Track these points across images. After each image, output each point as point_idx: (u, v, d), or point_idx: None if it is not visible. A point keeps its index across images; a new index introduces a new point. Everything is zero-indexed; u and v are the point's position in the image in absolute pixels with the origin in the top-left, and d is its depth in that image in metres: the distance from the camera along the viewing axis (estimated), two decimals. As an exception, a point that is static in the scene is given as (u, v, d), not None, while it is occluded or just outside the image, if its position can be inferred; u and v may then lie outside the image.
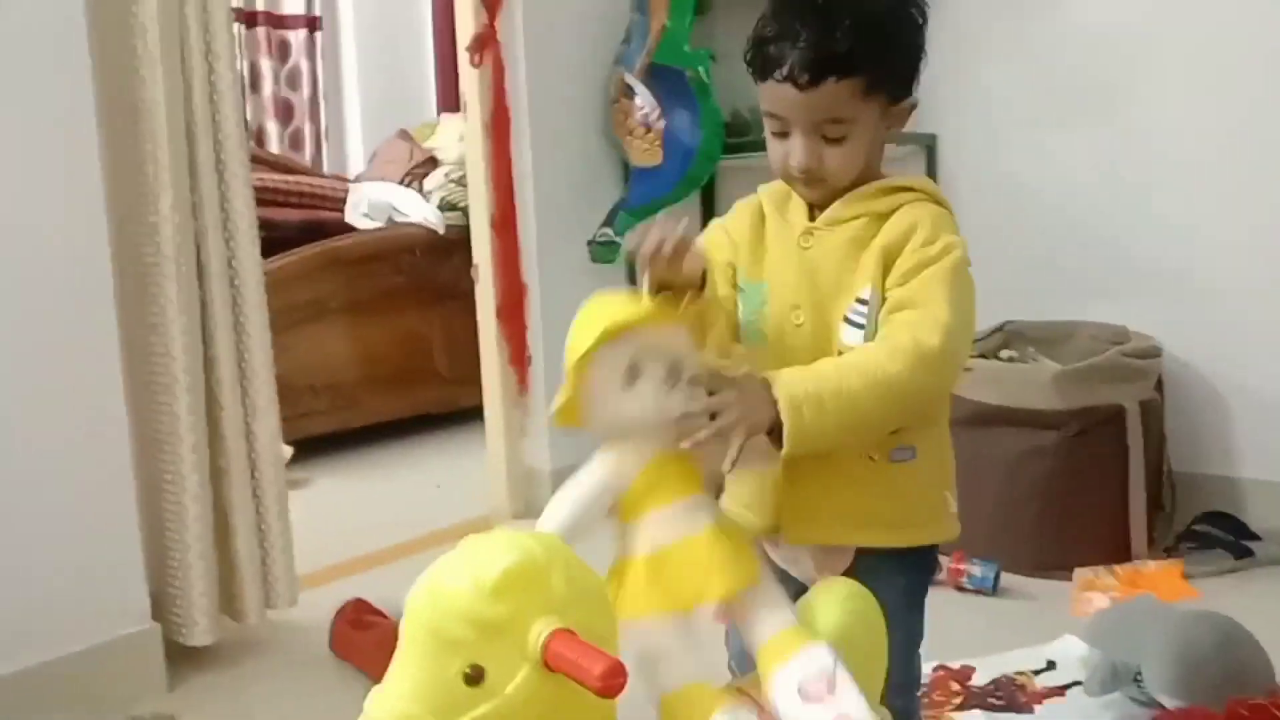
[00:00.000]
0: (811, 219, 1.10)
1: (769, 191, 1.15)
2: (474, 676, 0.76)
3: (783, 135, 1.07)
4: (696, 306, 0.98)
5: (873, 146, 1.08)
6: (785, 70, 1.03)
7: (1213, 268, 2.39)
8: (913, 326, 1.01)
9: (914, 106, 1.10)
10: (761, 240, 1.12)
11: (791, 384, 0.97)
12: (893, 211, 1.07)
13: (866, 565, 1.09)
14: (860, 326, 1.06)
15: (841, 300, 1.07)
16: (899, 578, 1.10)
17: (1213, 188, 2.38)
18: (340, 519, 2.76)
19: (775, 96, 1.05)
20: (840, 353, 1.06)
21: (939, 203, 1.10)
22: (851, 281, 1.07)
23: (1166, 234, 2.44)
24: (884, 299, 1.05)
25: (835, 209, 1.09)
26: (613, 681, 0.73)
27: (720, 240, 1.14)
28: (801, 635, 0.95)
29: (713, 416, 0.95)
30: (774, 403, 0.96)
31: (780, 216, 1.12)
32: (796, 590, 1.07)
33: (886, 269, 1.05)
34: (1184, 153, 2.41)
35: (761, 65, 1.06)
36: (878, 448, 1.08)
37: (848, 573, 1.08)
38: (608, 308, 0.95)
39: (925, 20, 1.09)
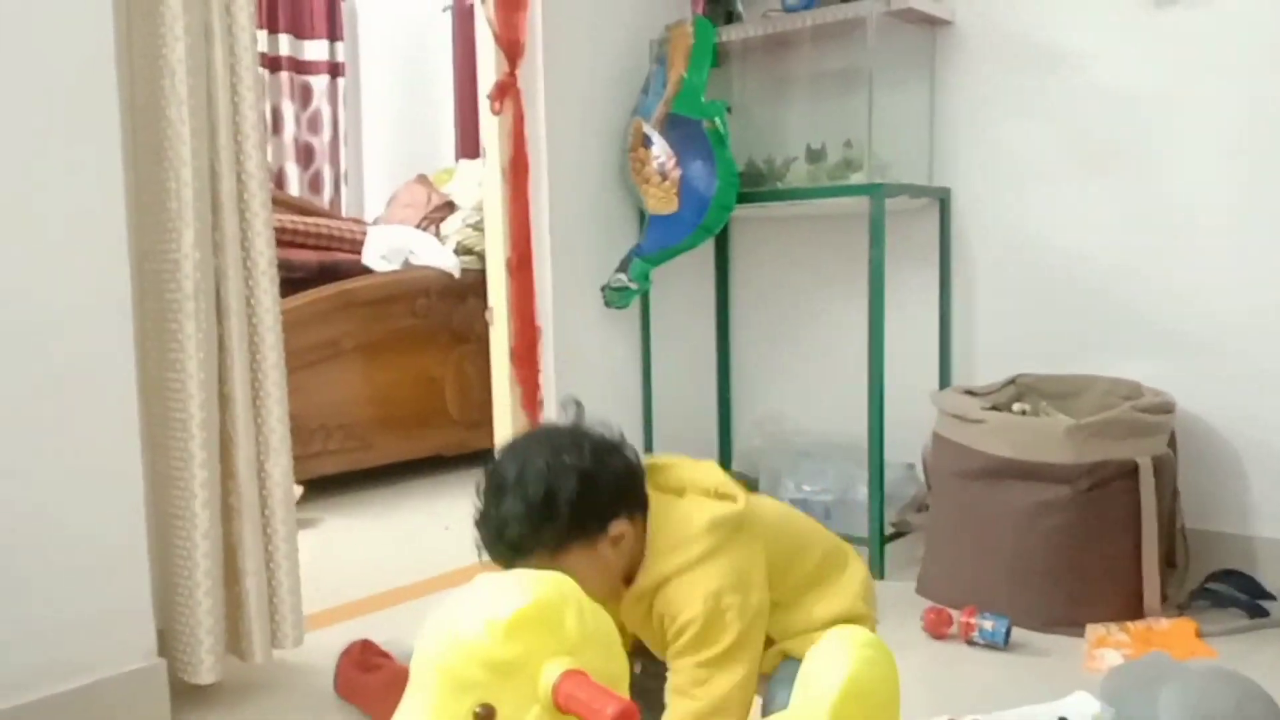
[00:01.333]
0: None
1: None
2: (485, 716, 0.76)
3: None
4: None
5: (607, 566, 1.27)
6: (490, 555, 1.27)
7: (1227, 324, 2.39)
8: (685, 702, 1.25)
9: (623, 534, 1.28)
10: None
11: None
12: (651, 605, 1.29)
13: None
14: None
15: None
16: None
17: (1227, 245, 2.39)
18: (349, 559, 2.76)
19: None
20: None
21: (691, 564, 1.27)
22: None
23: (1180, 290, 2.45)
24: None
25: (626, 607, 1.31)
26: (624, 723, 0.73)
27: None
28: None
29: None
30: None
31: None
32: None
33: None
34: (1199, 210, 2.42)
35: (483, 549, 1.28)
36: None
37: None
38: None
39: (588, 462, 1.26)
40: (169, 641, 1.85)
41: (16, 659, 1.64)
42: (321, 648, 2.01)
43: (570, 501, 1.25)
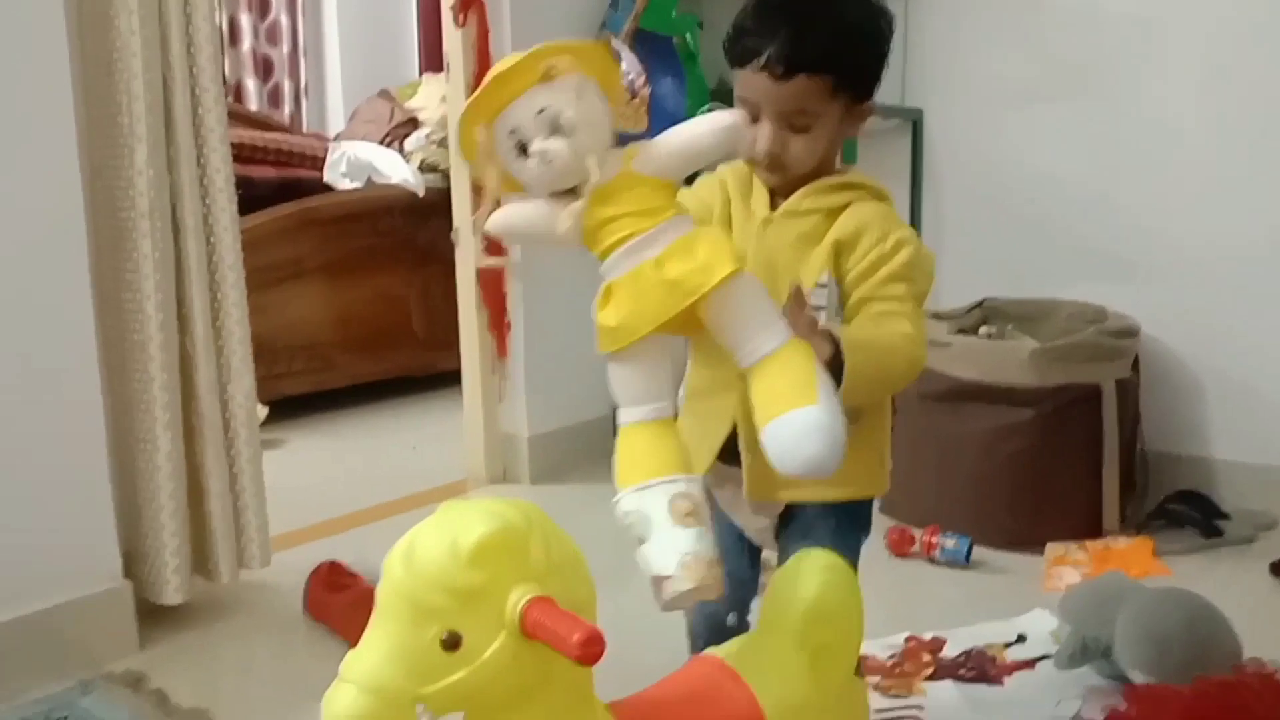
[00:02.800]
0: (772, 208, 1.19)
1: (732, 173, 1.23)
2: (450, 643, 0.75)
3: (753, 120, 1.14)
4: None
5: (832, 142, 1.17)
6: (761, 61, 1.12)
7: (1194, 251, 2.40)
8: (893, 317, 1.11)
9: (872, 110, 1.19)
10: (728, 222, 1.21)
11: (851, 335, 1.06)
12: (841, 209, 1.16)
13: (802, 515, 1.18)
14: (820, 308, 1.14)
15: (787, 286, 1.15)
16: (832, 522, 1.18)
17: (1197, 173, 2.39)
18: (315, 480, 2.75)
19: (749, 84, 1.14)
20: None
21: (882, 198, 1.19)
22: (802, 271, 1.15)
23: (1148, 216, 2.45)
24: (840, 287, 1.14)
25: (792, 202, 1.18)
26: (591, 649, 0.73)
27: (703, 208, 1.21)
28: (806, 356, 0.96)
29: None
30: (833, 342, 1.04)
31: (743, 202, 1.21)
32: (735, 534, 1.23)
33: (839, 258, 1.14)
34: (1170, 136, 2.41)
35: (740, 54, 1.15)
36: None
37: (782, 519, 1.19)
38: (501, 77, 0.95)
39: (893, 32, 1.19)
40: (134, 563, 1.84)
41: (-22, 582, 1.62)
42: (289, 568, 2.01)
43: (881, 45, 1.17)
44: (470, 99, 0.96)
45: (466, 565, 0.76)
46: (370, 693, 0.74)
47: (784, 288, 1.11)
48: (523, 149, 0.95)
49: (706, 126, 1.01)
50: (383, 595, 0.78)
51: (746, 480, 1.16)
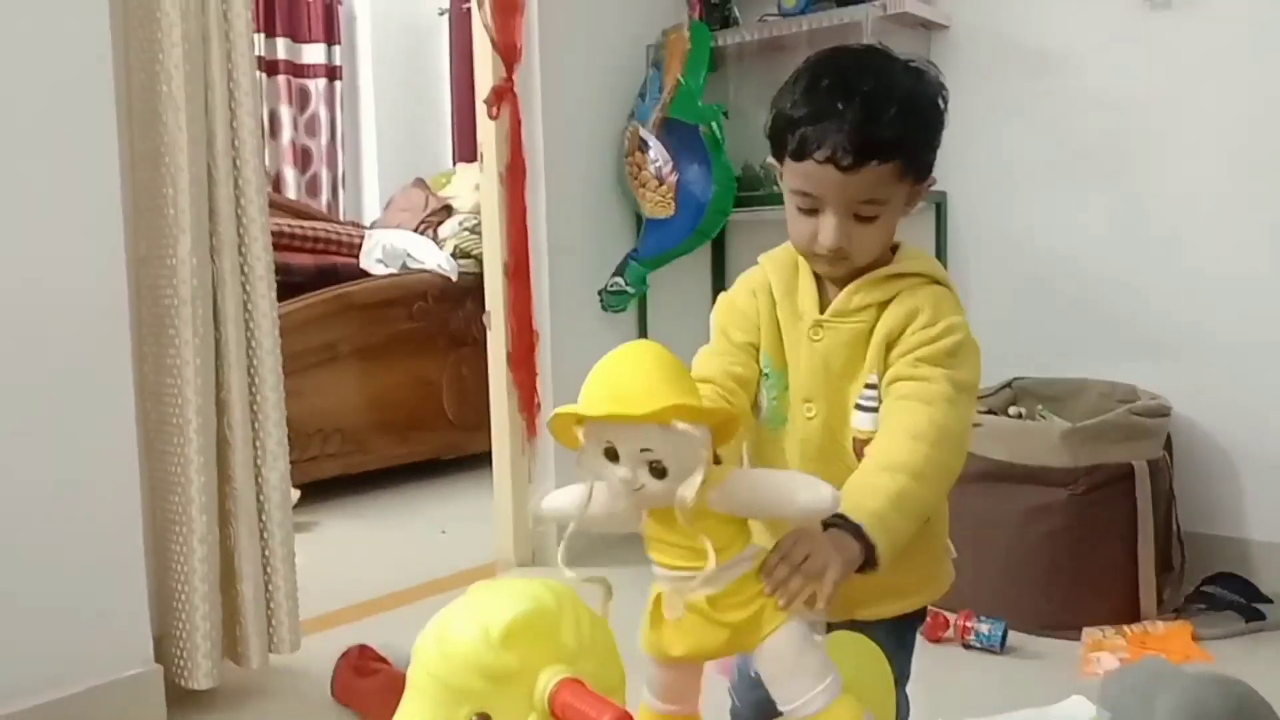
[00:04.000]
0: (820, 307, 1.11)
1: (774, 267, 1.16)
2: (481, 725, 0.76)
3: (810, 213, 1.07)
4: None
5: (893, 223, 1.10)
6: (827, 151, 1.02)
7: (1222, 328, 2.40)
8: (911, 411, 1.02)
9: (932, 184, 1.12)
10: (777, 326, 1.14)
11: (865, 509, 0.95)
12: (894, 298, 1.09)
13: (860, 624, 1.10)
14: (872, 410, 1.08)
15: (849, 388, 1.09)
16: (891, 634, 1.11)
17: (1223, 249, 2.40)
18: (346, 563, 2.76)
19: (812, 176, 1.04)
20: (854, 439, 1.09)
21: (940, 283, 1.12)
22: (858, 370, 1.09)
23: (1175, 294, 2.45)
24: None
25: (842, 300, 1.10)
26: (620, 731, 0.73)
27: (745, 321, 1.15)
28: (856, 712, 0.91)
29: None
30: (853, 537, 0.94)
31: (789, 301, 1.13)
32: None
33: (888, 352, 1.07)
34: (1194, 214, 2.43)
35: (799, 145, 1.05)
36: None
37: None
38: (641, 385, 0.87)
39: (948, 100, 1.11)
40: (165, 647, 1.85)
41: (14, 665, 1.64)
42: (318, 652, 2.01)
43: (941, 117, 1.09)
44: (584, 410, 0.88)
45: (498, 647, 0.76)
46: (402, 775, 0.75)
47: (839, 394, 1.08)
48: (612, 455, 0.89)
49: (801, 501, 0.89)
50: (414, 676, 0.78)
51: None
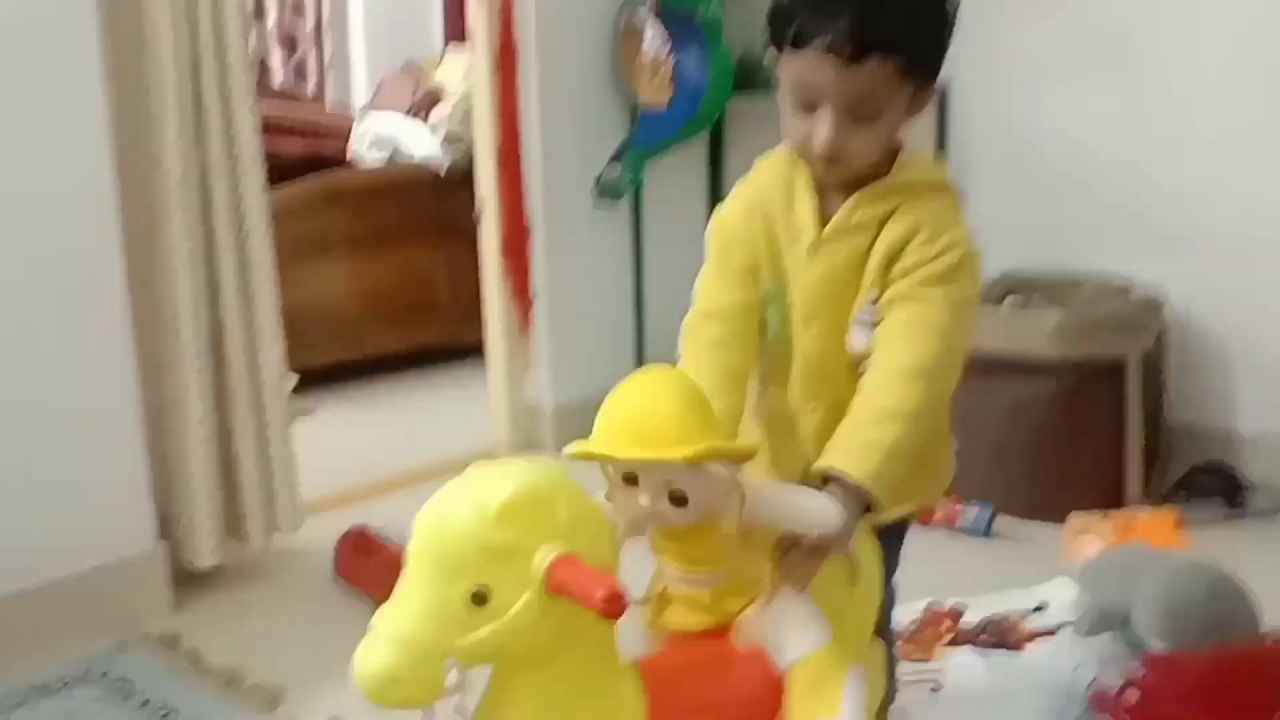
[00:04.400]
0: (819, 222, 1.08)
1: (771, 179, 1.12)
2: (479, 598, 0.78)
3: (808, 109, 1.02)
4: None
5: (893, 129, 1.05)
6: (828, 41, 0.97)
7: (1221, 224, 2.38)
8: (909, 341, 1.02)
9: (935, 93, 1.07)
10: (777, 245, 1.11)
11: (864, 469, 0.97)
12: (894, 211, 1.06)
13: None
14: (872, 325, 1.06)
15: (850, 305, 1.08)
16: (885, 536, 1.13)
17: (1226, 146, 2.36)
18: (344, 449, 2.79)
19: (811, 68, 1.00)
20: (853, 354, 1.07)
21: (943, 188, 1.09)
22: (858, 284, 1.07)
23: (1176, 189, 2.43)
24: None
25: (842, 216, 1.07)
26: (614, 604, 0.75)
27: (742, 243, 1.12)
28: (838, 666, 0.95)
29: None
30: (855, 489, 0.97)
31: (788, 220, 1.10)
32: None
33: (888, 269, 1.05)
34: (1198, 109, 2.39)
35: (796, 35, 1.00)
36: None
37: None
38: (660, 424, 0.89)
39: (957, 6, 1.06)
40: (169, 526, 1.89)
41: (20, 545, 1.67)
42: (320, 533, 2.05)
43: (950, 18, 1.05)
44: (612, 452, 0.90)
45: (495, 524, 0.78)
46: (402, 646, 0.77)
47: (839, 310, 1.07)
48: (631, 480, 0.91)
49: (811, 521, 0.93)
50: (413, 553, 0.80)
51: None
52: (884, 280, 1.05)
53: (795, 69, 1.02)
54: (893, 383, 1.01)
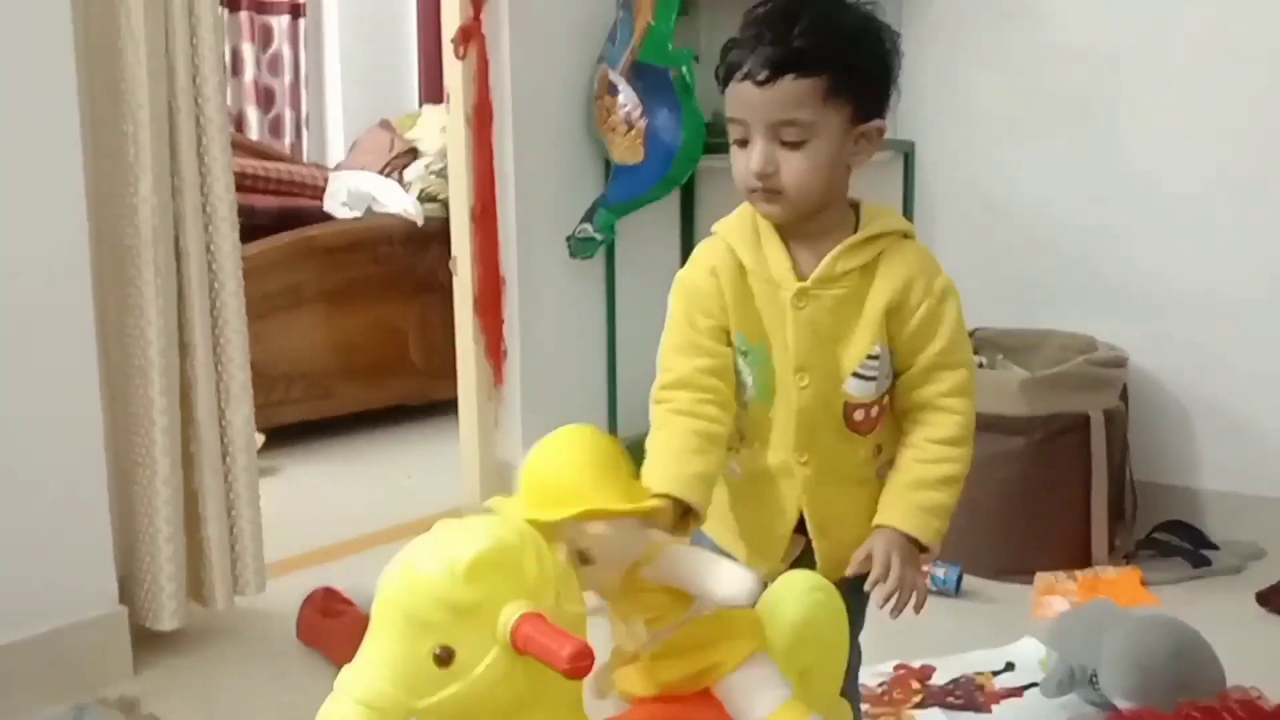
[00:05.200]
0: (797, 274, 1.09)
1: (735, 234, 1.13)
2: (443, 658, 0.77)
3: (743, 143, 1.07)
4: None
5: (834, 166, 1.07)
6: (745, 69, 1.04)
7: (1181, 282, 2.44)
8: (957, 409, 1.11)
9: (882, 132, 1.10)
10: (749, 298, 1.11)
11: (926, 526, 1.09)
12: (877, 260, 1.09)
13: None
14: (870, 379, 1.10)
15: (843, 356, 1.10)
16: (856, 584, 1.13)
17: (1188, 206, 2.43)
18: (310, 508, 2.76)
19: (735, 98, 1.06)
20: (846, 404, 1.10)
21: (909, 235, 1.13)
22: (852, 337, 1.09)
23: (1137, 248, 2.48)
24: (894, 349, 1.10)
25: (826, 267, 1.09)
26: (579, 663, 0.75)
27: (709, 304, 1.12)
28: (802, 715, 0.95)
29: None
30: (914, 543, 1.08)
31: (762, 271, 1.10)
32: None
33: (890, 322, 1.09)
34: (1158, 169, 2.45)
35: (725, 70, 1.07)
36: (876, 473, 1.15)
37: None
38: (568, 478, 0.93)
39: (897, 51, 1.10)
40: (131, 588, 1.86)
41: (-24, 604, 1.64)
42: (284, 594, 2.02)
43: (882, 52, 1.08)
44: (510, 508, 0.95)
45: (462, 581, 0.78)
46: (366, 705, 0.76)
47: (831, 362, 1.09)
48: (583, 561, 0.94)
49: (724, 592, 0.92)
50: (378, 610, 0.80)
51: (820, 561, 1.14)
52: (885, 333, 1.09)
53: (728, 105, 1.08)
54: (951, 452, 1.10)
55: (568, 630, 0.78)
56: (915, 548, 1.07)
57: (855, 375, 1.10)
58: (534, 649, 0.76)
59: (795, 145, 1.04)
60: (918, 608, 1.06)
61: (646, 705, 0.98)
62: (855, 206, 1.13)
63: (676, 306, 1.14)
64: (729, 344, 1.12)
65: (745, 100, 1.05)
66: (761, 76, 1.03)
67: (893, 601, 1.04)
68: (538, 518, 0.88)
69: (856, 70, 1.05)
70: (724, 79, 1.07)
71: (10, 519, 1.68)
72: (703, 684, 0.96)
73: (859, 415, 1.11)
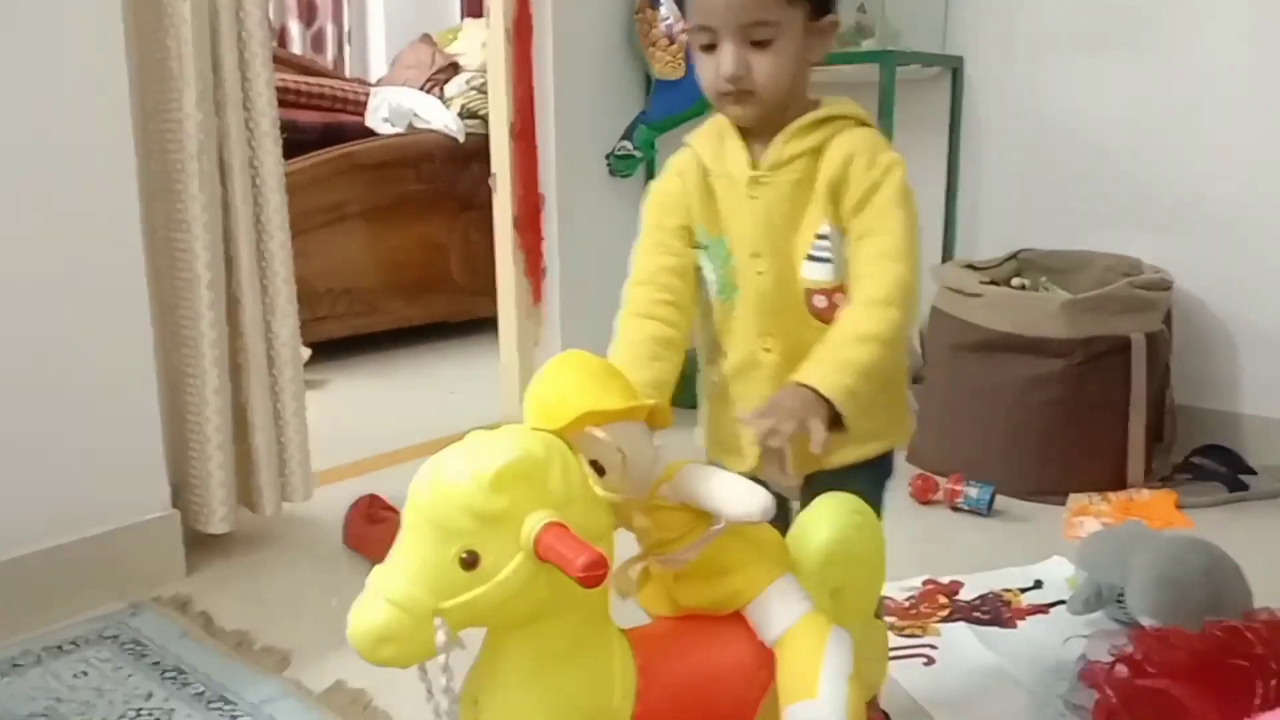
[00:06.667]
0: (753, 165, 1.12)
1: (701, 140, 1.17)
2: (469, 562, 0.80)
3: (710, 48, 1.09)
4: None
5: (799, 63, 1.09)
6: None
7: (1231, 205, 2.38)
8: (881, 272, 1.06)
9: (836, 26, 1.12)
10: (711, 195, 1.15)
11: (832, 381, 1.01)
12: (826, 143, 1.10)
13: (831, 472, 1.13)
14: (826, 260, 1.10)
15: (797, 240, 1.11)
16: (860, 474, 1.15)
17: (1239, 126, 2.36)
18: (356, 420, 2.83)
19: (700, 5, 1.08)
20: (805, 289, 1.11)
21: (866, 124, 1.13)
22: (803, 220, 1.11)
23: (1188, 169, 2.43)
24: (843, 230, 1.09)
25: (774, 151, 1.11)
26: (593, 573, 0.77)
27: (674, 204, 1.16)
28: (818, 642, 0.95)
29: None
30: (824, 402, 1.00)
31: (721, 168, 1.14)
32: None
33: (836, 200, 1.09)
34: (1212, 88, 2.38)
35: None
36: None
37: (810, 481, 1.12)
38: (573, 390, 0.92)
39: None
40: (182, 493, 1.93)
41: (36, 510, 1.71)
42: (330, 502, 2.08)
43: None
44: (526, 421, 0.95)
45: (488, 490, 0.80)
46: (394, 604, 0.79)
47: (786, 246, 1.10)
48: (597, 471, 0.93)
49: (737, 509, 0.91)
50: (408, 515, 0.83)
51: (792, 461, 1.08)
52: (833, 211, 1.09)
53: (692, 13, 1.09)
54: (870, 311, 1.06)
55: (592, 543, 0.81)
56: (815, 396, 1.00)
57: (809, 258, 1.11)
58: (553, 557, 0.79)
59: (763, 45, 1.07)
60: (809, 442, 0.98)
61: (671, 618, 1.01)
62: (816, 104, 1.14)
63: (647, 212, 1.19)
64: (694, 245, 1.15)
65: (712, 6, 1.07)
66: None
67: (766, 426, 0.98)
68: (540, 428, 0.90)
69: None
70: None
71: (68, 428, 1.74)
72: (724, 610, 0.97)
73: (820, 301, 1.11)
